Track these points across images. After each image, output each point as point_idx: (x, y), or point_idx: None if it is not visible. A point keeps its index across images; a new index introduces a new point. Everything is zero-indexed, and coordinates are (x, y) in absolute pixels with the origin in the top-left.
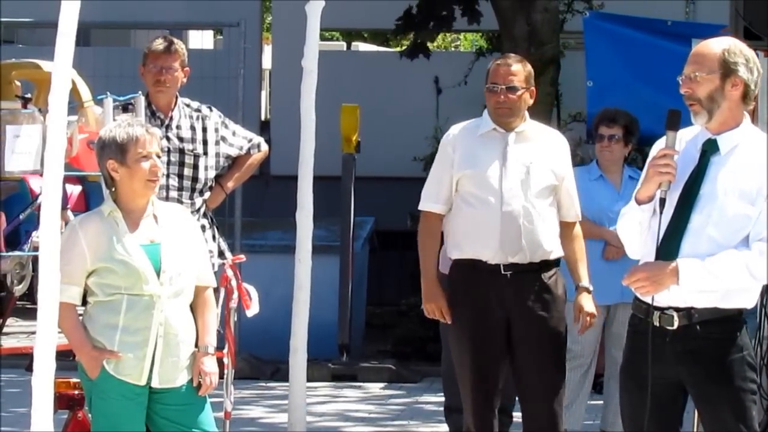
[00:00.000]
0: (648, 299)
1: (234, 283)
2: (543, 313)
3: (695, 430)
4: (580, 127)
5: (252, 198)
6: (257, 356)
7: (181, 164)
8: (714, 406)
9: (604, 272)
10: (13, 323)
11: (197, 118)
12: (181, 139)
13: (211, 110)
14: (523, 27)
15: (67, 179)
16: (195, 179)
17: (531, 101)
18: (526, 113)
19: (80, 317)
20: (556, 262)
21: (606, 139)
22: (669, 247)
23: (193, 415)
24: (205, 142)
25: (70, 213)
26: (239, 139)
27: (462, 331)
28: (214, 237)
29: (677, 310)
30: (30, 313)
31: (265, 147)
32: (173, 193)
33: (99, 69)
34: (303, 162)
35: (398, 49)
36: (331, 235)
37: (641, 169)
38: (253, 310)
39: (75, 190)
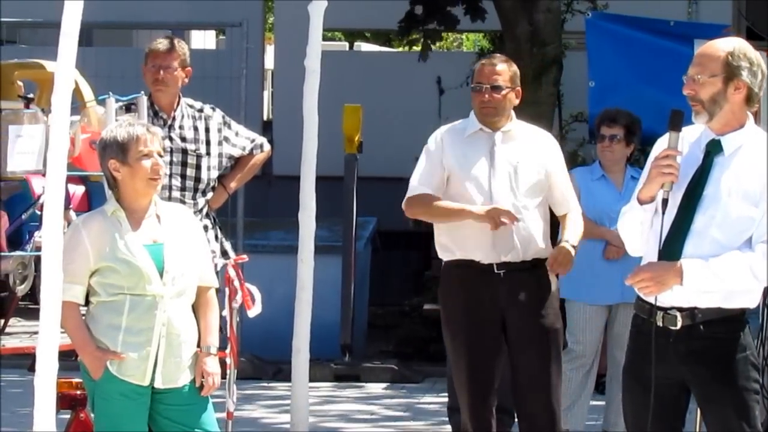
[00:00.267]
0: (651, 299)
1: (236, 283)
2: (538, 310)
3: (697, 430)
4: (582, 127)
5: (254, 198)
6: (259, 356)
7: (184, 164)
8: (717, 406)
9: (604, 272)
10: (15, 323)
11: (200, 118)
12: (183, 139)
13: (214, 110)
14: (525, 27)
15: (69, 179)
16: (198, 179)
17: (517, 101)
18: (513, 113)
19: (83, 317)
20: (546, 259)
21: (607, 139)
22: (672, 248)
23: (195, 416)
24: (207, 143)
25: (72, 213)
26: (242, 139)
27: (456, 332)
28: (216, 237)
29: (680, 310)
30: (32, 313)
31: (267, 147)
32: (176, 193)
33: (101, 69)
34: (305, 162)
35: (401, 49)
36: (333, 236)
37: (643, 168)
38: (255, 310)
39: (78, 190)
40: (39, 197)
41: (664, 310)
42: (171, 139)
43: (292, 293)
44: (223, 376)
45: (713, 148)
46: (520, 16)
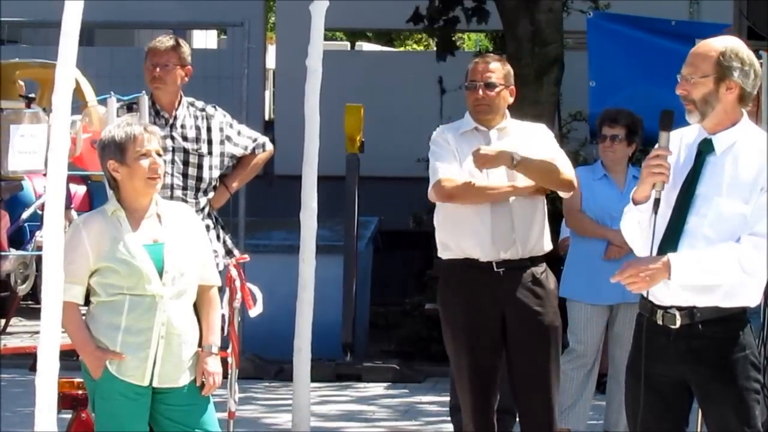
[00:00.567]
0: (652, 298)
1: (238, 283)
2: (538, 308)
3: (698, 429)
4: (582, 126)
5: (256, 198)
6: (261, 356)
7: (186, 164)
8: (717, 406)
9: (606, 272)
10: (16, 323)
11: (202, 117)
12: (185, 139)
13: (216, 110)
14: (527, 27)
15: (71, 179)
16: (199, 179)
17: (511, 99)
18: (507, 111)
19: (83, 317)
20: (545, 257)
21: (608, 139)
22: (667, 248)
23: (196, 415)
24: (209, 142)
25: (74, 213)
26: (244, 138)
27: (457, 331)
28: (218, 237)
29: (680, 309)
30: (34, 313)
31: (270, 147)
32: (178, 192)
33: (103, 69)
34: (307, 162)
35: (402, 49)
36: (335, 235)
37: None
38: (256, 310)
39: (79, 189)
40: (40, 197)
41: (664, 308)
42: (173, 138)
43: (293, 293)
44: (225, 375)
45: (705, 148)
46: (522, 16)
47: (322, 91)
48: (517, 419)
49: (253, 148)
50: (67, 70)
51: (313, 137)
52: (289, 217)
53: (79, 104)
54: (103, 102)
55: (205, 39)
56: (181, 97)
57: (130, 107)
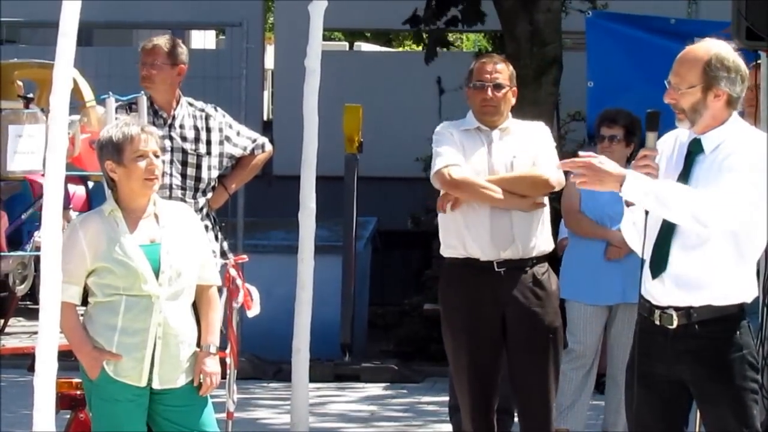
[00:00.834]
0: (650, 298)
1: (238, 282)
2: (538, 309)
3: (697, 429)
4: (580, 126)
5: (254, 198)
6: (260, 356)
7: (184, 164)
8: (714, 406)
9: (605, 272)
10: (15, 323)
11: (201, 117)
12: (184, 139)
13: (216, 110)
14: (525, 27)
15: (69, 179)
16: (198, 179)
17: (513, 101)
18: (509, 112)
19: (81, 318)
20: (547, 257)
21: (607, 139)
22: (660, 247)
23: (194, 416)
24: (208, 142)
25: (72, 213)
26: (243, 139)
27: (457, 331)
28: (216, 237)
29: (677, 309)
30: (32, 313)
31: (269, 147)
32: (176, 192)
33: (101, 69)
34: (306, 162)
35: (401, 49)
36: (333, 235)
37: None
38: (254, 310)
39: (78, 190)
40: (39, 197)
41: (662, 309)
42: (171, 138)
43: (292, 293)
44: (223, 376)
45: (695, 148)
46: (520, 16)
47: (320, 92)
48: (516, 419)
49: (253, 149)
50: (65, 71)
51: (312, 137)
52: (287, 217)
53: (77, 104)
54: (101, 102)
55: (204, 39)
56: (179, 96)
57: (129, 107)
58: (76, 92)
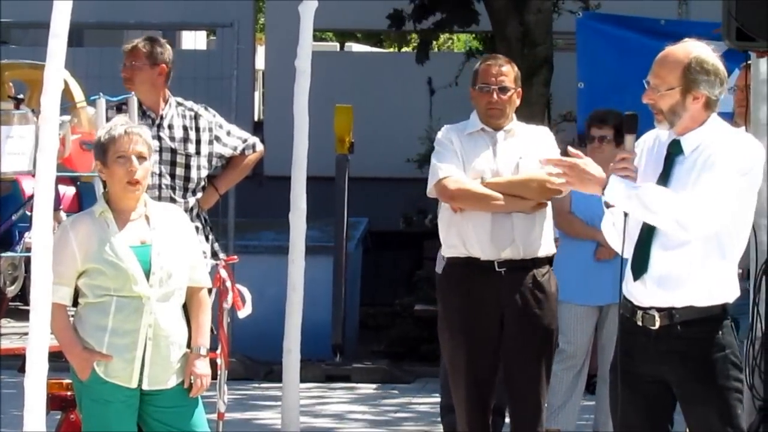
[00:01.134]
0: (631, 299)
1: (228, 284)
2: (537, 310)
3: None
4: (571, 126)
5: (245, 198)
6: (250, 357)
7: (173, 164)
8: (698, 406)
9: (596, 273)
10: (5, 324)
11: (191, 117)
12: (172, 139)
13: (206, 110)
14: (516, 28)
15: (60, 180)
16: (187, 179)
17: (518, 102)
18: (513, 114)
19: (71, 319)
20: (548, 260)
21: (597, 140)
22: (641, 248)
23: (185, 417)
24: (197, 142)
25: (63, 214)
26: (234, 139)
27: (456, 332)
28: (207, 238)
29: (659, 310)
30: (22, 314)
31: (260, 147)
32: (166, 192)
33: (92, 69)
34: (296, 162)
35: (392, 49)
36: (324, 236)
37: None
38: (245, 311)
39: (68, 191)
40: (29, 198)
41: (644, 309)
42: (160, 138)
43: (283, 294)
44: (214, 376)
45: (674, 149)
46: (511, 17)
47: (311, 92)
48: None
49: (243, 149)
50: (56, 71)
51: (303, 138)
52: (278, 217)
53: (68, 105)
54: (92, 103)
55: (195, 40)
56: (168, 96)
57: (120, 108)
58: (66, 93)
